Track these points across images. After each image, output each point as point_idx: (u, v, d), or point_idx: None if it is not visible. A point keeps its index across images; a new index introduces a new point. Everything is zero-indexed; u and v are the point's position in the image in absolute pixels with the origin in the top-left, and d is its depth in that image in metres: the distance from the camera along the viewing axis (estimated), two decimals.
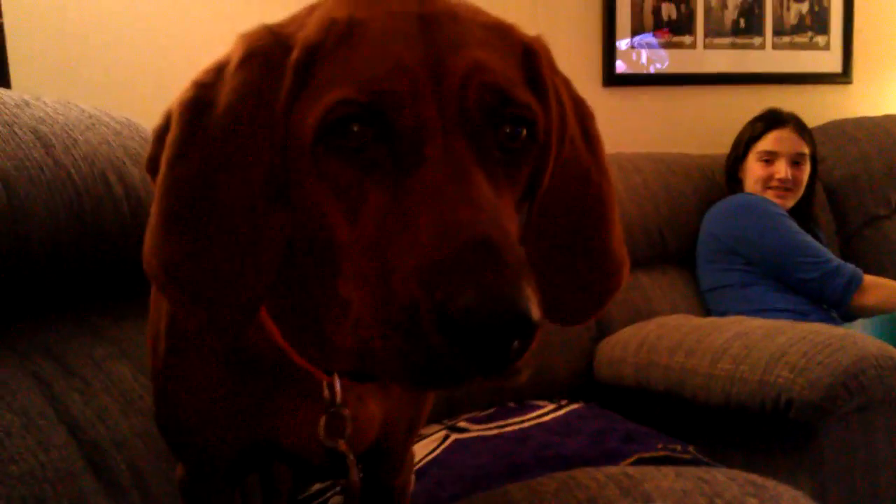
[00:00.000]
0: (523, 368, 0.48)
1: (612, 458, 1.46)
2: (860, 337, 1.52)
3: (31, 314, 0.96)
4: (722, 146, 2.42)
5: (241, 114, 0.56)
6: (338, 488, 0.73)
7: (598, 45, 2.53)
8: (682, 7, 2.62)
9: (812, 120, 2.46)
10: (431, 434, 1.65)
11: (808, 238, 2.15)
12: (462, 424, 1.71)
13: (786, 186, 2.23)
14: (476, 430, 1.67)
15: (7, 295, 0.90)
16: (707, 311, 2.23)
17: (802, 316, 2.04)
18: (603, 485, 0.89)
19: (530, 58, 0.61)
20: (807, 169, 2.29)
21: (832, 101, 2.85)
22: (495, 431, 1.66)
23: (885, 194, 2.59)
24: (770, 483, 0.93)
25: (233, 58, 0.58)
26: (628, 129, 2.57)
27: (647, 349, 1.81)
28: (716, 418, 1.67)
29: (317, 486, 1.32)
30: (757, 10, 2.73)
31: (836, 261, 2.11)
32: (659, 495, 0.86)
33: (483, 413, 1.79)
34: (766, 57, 2.76)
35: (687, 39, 2.65)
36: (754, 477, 0.94)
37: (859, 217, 2.58)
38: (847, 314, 2.09)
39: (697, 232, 2.30)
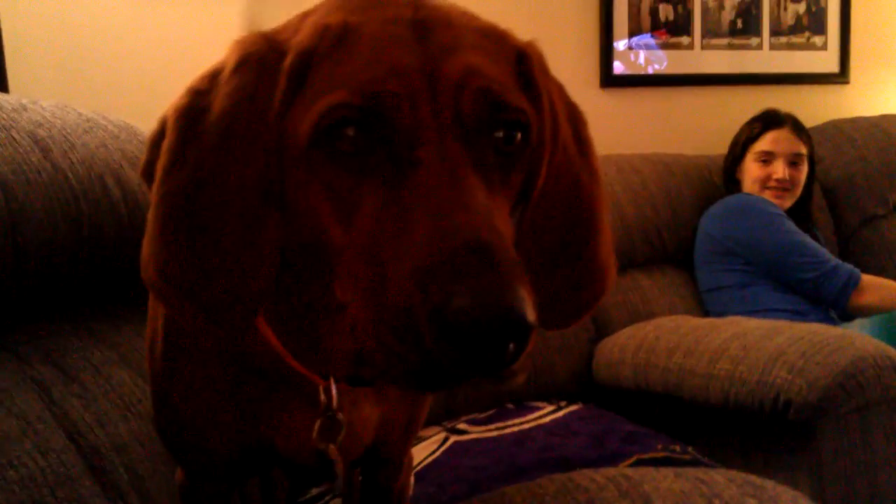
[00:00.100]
0: (520, 370, 0.49)
1: (612, 459, 1.46)
2: (858, 337, 1.52)
3: (30, 318, 0.96)
4: (720, 147, 2.43)
5: (235, 119, 0.56)
6: (335, 492, 0.73)
7: (595, 46, 2.53)
8: (680, 8, 2.63)
9: (809, 120, 2.47)
10: (431, 436, 1.65)
11: (807, 238, 2.15)
12: (461, 426, 1.71)
13: (783, 187, 2.23)
14: (475, 432, 1.67)
15: (5, 299, 0.90)
16: (705, 312, 2.23)
17: (801, 316, 2.04)
18: (602, 486, 0.89)
19: (524, 62, 0.61)
20: (804, 169, 2.29)
21: (829, 101, 2.86)
22: (495, 433, 1.66)
23: (883, 194, 2.59)
24: (769, 484, 0.93)
25: (227, 64, 0.58)
26: (626, 130, 2.57)
27: (646, 350, 1.81)
28: (715, 419, 1.68)
29: (315, 490, 1.32)
30: (754, 11, 2.74)
31: (834, 261, 2.11)
32: (658, 496, 0.86)
33: (482, 415, 1.79)
34: (764, 57, 2.77)
35: (684, 40, 2.65)
36: (753, 477, 0.94)
37: (857, 217, 2.58)
38: (845, 314, 2.09)
39: (696, 232, 2.30)
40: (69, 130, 1.00)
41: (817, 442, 1.47)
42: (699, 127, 2.67)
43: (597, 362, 2.01)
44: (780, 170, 2.23)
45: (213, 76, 0.58)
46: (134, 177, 1.06)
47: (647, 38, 2.59)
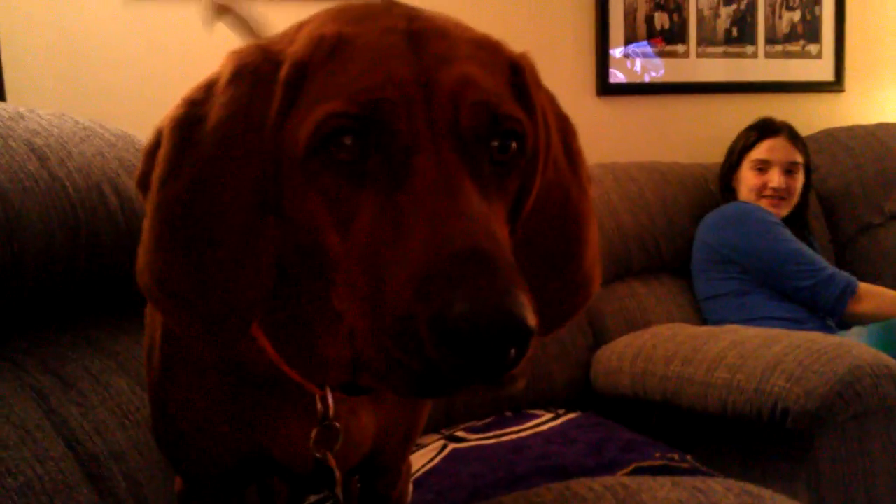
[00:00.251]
0: (520, 376, 0.49)
1: (610, 467, 1.46)
2: (855, 345, 1.52)
3: (28, 327, 0.96)
4: (716, 155, 2.43)
5: (231, 130, 0.56)
6: (334, 500, 0.73)
7: (591, 55, 2.54)
8: (675, 16, 2.64)
9: (805, 128, 2.47)
10: (429, 444, 1.65)
11: (803, 246, 2.15)
12: (460, 434, 1.71)
13: (779, 195, 2.24)
14: (474, 440, 1.67)
15: (3, 307, 0.90)
16: (703, 320, 2.23)
17: (798, 324, 2.04)
18: (600, 495, 0.89)
19: (517, 73, 0.62)
20: (800, 177, 2.30)
21: (825, 109, 2.87)
22: (493, 441, 1.66)
23: (879, 202, 2.60)
24: (766, 493, 0.93)
25: (223, 74, 0.58)
26: (622, 138, 2.58)
27: (644, 359, 1.81)
28: (713, 427, 1.68)
29: (314, 498, 1.32)
30: (749, 20, 2.75)
31: (831, 269, 2.12)
32: None
33: (481, 422, 1.79)
34: (759, 66, 2.78)
35: (680, 48, 2.66)
36: (750, 486, 0.94)
37: (853, 225, 2.59)
38: (842, 322, 2.09)
39: (692, 241, 2.30)
40: (66, 139, 1.00)
41: (815, 450, 1.48)
42: (695, 135, 2.68)
43: (595, 370, 2.01)
44: (775, 178, 2.24)
45: (209, 87, 0.59)
46: (131, 185, 1.06)
47: (643, 46, 2.60)
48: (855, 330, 1.99)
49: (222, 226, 0.56)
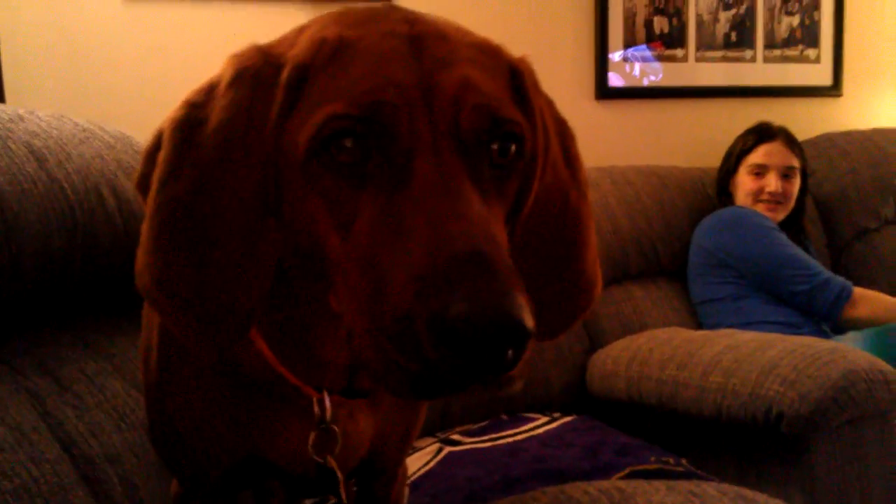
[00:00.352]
0: (517, 378, 0.49)
1: (606, 470, 1.46)
2: (850, 350, 1.53)
3: (24, 329, 0.96)
4: (713, 159, 2.44)
5: (232, 132, 0.56)
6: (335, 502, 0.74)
7: (590, 59, 2.54)
8: (674, 20, 2.64)
9: (802, 133, 2.48)
10: (425, 447, 1.65)
11: (799, 251, 2.16)
12: (455, 437, 1.71)
13: (776, 199, 2.24)
14: (469, 443, 1.67)
15: (0, 309, 0.90)
16: (699, 324, 2.24)
17: (794, 329, 2.05)
18: (595, 499, 0.90)
19: (516, 77, 0.62)
20: (797, 182, 2.30)
21: (822, 114, 2.87)
22: (488, 444, 1.66)
23: (875, 207, 2.61)
24: (761, 497, 0.93)
25: (223, 77, 0.58)
26: (620, 141, 2.58)
27: (639, 362, 1.81)
28: (708, 431, 1.68)
29: (310, 501, 1.32)
30: (748, 24, 2.75)
31: (827, 273, 2.12)
32: None
33: (476, 426, 1.79)
34: (758, 70, 2.78)
35: (679, 53, 2.67)
36: (745, 491, 0.94)
37: (849, 230, 2.60)
38: (838, 327, 2.10)
39: (689, 244, 2.30)
40: (65, 141, 1.00)
41: (810, 455, 1.48)
42: (693, 139, 2.68)
43: (590, 374, 2.02)
44: (772, 183, 2.24)
45: (210, 89, 0.59)
46: (129, 186, 1.07)
47: (642, 50, 2.60)
48: (850, 335, 2.00)
49: (222, 228, 0.56)
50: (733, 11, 2.72)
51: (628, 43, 2.59)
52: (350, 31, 0.57)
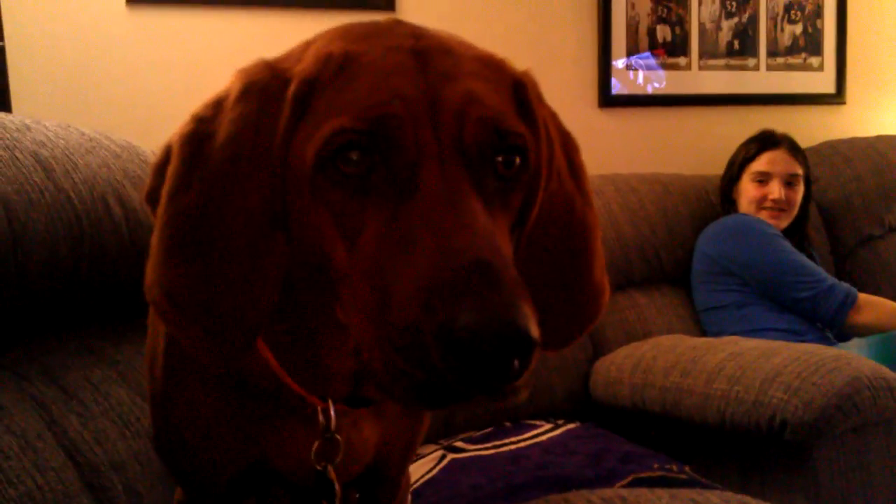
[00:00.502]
0: (523, 387, 0.49)
1: (609, 478, 1.46)
2: (854, 358, 1.52)
3: (31, 337, 0.97)
4: (717, 166, 2.44)
5: (240, 145, 0.57)
6: None
7: (593, 67, 2.55)
8: (677, 29, 2.65)
9: (806, 141, 2.48)
10: (428, 454, 1.65)
11: (803, 258, 2.16)
12: (458, 444, 1.71)
13: (779, 207, 2.24)
14: (473, 450, 1.67)
15: (6, 317, 0.91)
16: (702, 331, 2.24)
17: (798, 336, 2.04)
18: None
19: (520, 90, 0.63)
20: (800, 189, 2.30)
21: (826, 121, 2.87)
22: (492, 451, 1.66)
23: (879, 214, 2.61)
24: None
25: (231, 92, 0.59)
26: (624, 149, 2.58)
27: (643, 370, 1.81)
28: (712, 438, 1.68)
29: None
30: (751, 32, 2.76)
31: (831, 280, 2.12)
32: None
33: (480, 433, 1.79)
34: (761, 78, 2.78)
35: (682, 61, 2.67)
36: (749, 499, 0.95)
37: (853, 237, 2.59)
38: (842, 333, 2.10)
39: (693, 252, 2.31)
40: (72, 150, 1.01)
41: (814, 462, 1.48)
42: (696, 147, 2.68)
43: (594, 381, 2.01)
44: (776, 190, 2.24)
45: (217, 103, 0.60)
46: (135, 196, 1.07)
47: (645, 57, 2.61)
48: (854, 342, 1.99)
49: (230, 241, 0.57)
50: (736, 20, 2.73)
51: (631, 51, 2.59)
52: (355, 46, 0.58)
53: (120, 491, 0.91)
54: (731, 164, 2.38)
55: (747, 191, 2.29)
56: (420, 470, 1.56)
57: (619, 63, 2.57)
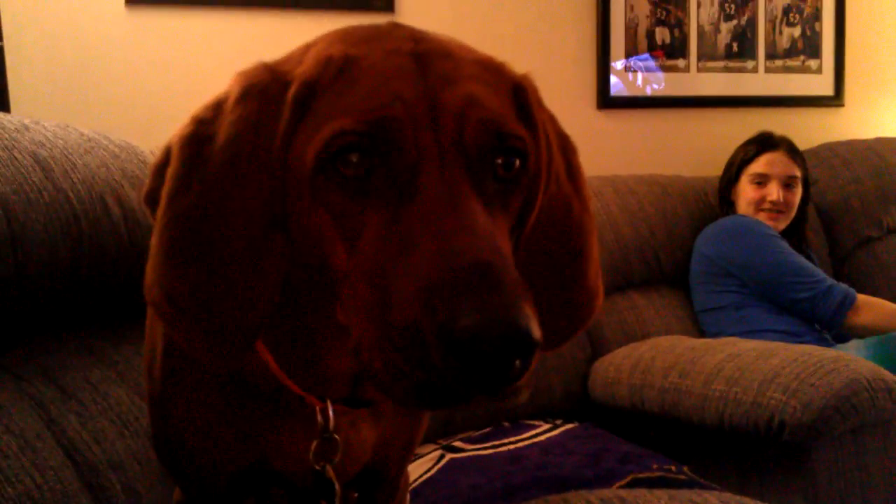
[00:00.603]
0: (523, 388, 0.49)
1: (608, 478, 1.46)
2: (852, 359, 1.52)
3: (29, 337, 0.97)
4: (715, 168, 2.44)
5: (240, 147, 0.57)
6: None
7: (592, 69, 2.55)
8: (676, 31, 2.65)
9: (804, 142, 2.48)
10: (426, 454, 1.66)
11: (801, 259, 2.16)
12: (457, 444, 1.72)
13: (778, 209, 2.25)
14: (471, 450, 1.67)
15: (5, 318, 0.91)
16: (701, 333, 2.24)
17: (796, 337, 2.05)
18: None
19: (520, 94, 0.63)
20: (799, 191, 2.31)
21: (824, 123, 2.87)
22: (490, 451, 1.66)
23: (877, 216, 2.61)
24: None
25: (231, 94, 0.59)
26: (623, 150, 2.59)
27: (642, 370, 1.81)
28: (710, 439, 1.68)
29: None
30: (750, 35, 2.76)
31: (829, 281, 2.12)
32: None
33: (478, 433, 1.79)
34: (759, 80, 2.79)
35: (681, 63, 2.67)
36: (747, 500, 0.94)
37: (852, 239, 2.60)
38: (840, 335, 2.10)
39: (691, 253, 2.31)
40: (70, 150, 1.01)
41: (812, 463, 1.48)
42: (695, 148, 2.69)
43: (593, 381, 2.02)
44: (774, 192, 2.24)
45: (217, 105, 0.60)
46: (134, 196, 1.07)
47: (644, 59, 2.61)
48: (853, 343, 1.99)
49: (230, 242, 0.57)
50: (735, 22, 2.73)
51: (630, 53, 2.59)
52: (355, 49, 0.58)
53: (118, 490, 0.91)
54: (729, 165, 2.38)
55: (746, 192, 2.29)
56: (419, 469, 1.56)
57: (617, 64, 2.58)
